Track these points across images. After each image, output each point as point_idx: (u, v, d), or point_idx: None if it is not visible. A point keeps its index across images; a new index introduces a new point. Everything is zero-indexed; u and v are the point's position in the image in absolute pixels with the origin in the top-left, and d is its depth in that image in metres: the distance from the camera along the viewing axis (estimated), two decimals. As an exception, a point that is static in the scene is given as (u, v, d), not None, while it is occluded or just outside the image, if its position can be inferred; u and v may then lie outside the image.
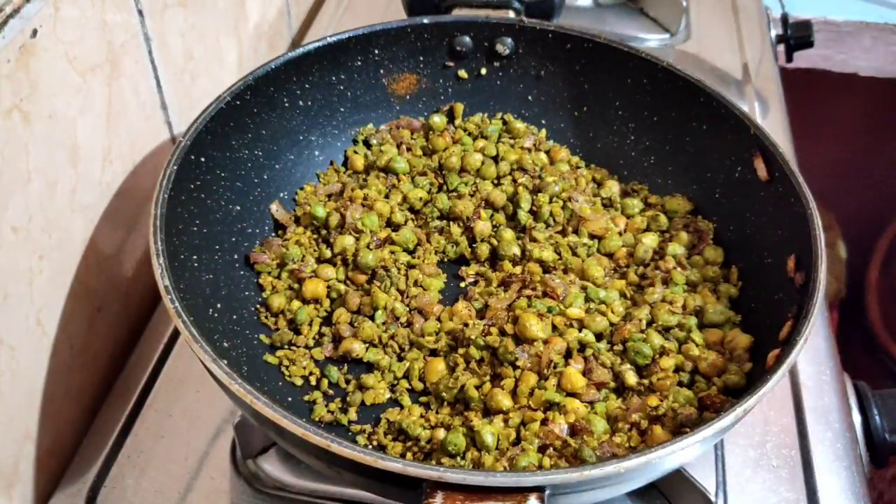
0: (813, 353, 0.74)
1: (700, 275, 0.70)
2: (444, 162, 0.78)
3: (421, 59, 0.81)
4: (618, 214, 0.75)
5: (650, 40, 1.10)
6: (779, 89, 1.06)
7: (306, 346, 0.67)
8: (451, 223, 0.75)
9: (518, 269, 0.70)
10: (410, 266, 0.72)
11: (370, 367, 0.66)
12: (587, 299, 0.67)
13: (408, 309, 0.69)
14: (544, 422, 0.59)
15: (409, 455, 0.59)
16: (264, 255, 0.71)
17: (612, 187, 0.77)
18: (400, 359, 0.66)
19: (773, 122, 1.00)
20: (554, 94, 0.83)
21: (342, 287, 0.69)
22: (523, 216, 0.74)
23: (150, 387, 0.70)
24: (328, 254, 0.71)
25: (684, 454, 0.49)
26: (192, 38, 0.80)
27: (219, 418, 0.67)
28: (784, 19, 1.17)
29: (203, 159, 0.67)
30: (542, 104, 0.83)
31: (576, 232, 0.73)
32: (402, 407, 0.63)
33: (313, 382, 0.65)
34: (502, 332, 0.64)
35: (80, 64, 0.62)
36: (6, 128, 0.54)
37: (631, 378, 0.61)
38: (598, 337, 0.65)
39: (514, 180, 0.77)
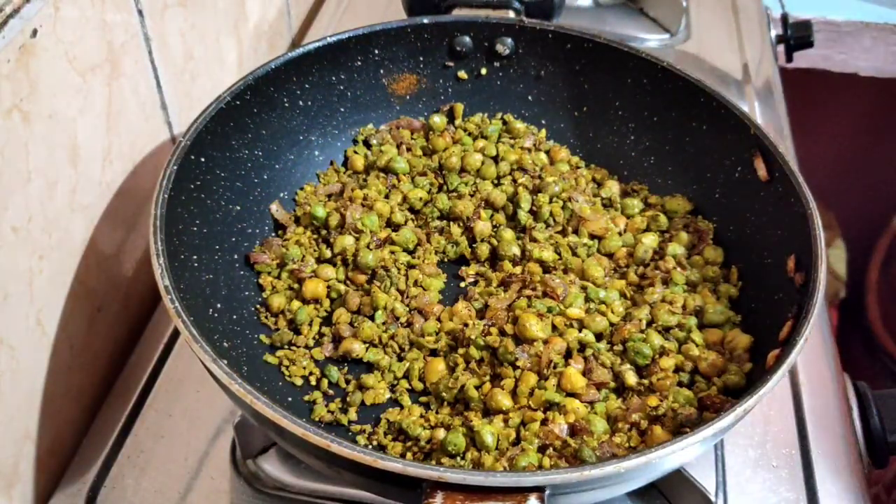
0: (813, 353, 0.74)
1: (700, 275, 0.70)
2: (444, 162, 0.78)
3: (421, 59, 0.81)
4: (618, 214, 0.75)
5: (650, 40, 1.10)
6: (779, 89, 1.06)
7: (306, 346, 0.67)
8: (451, 223, 0.75)
9: (518, 269, 0.70)
10: (410, 266, 0.72)
11: (370, 367, 0.66)
12: (587, 299, 0.67)
13: (408, 309, 0.69)
14: (544, 422, 0.59)
15: (409, 455, 0.59)
16: (264, 255, 0.71)
17: (612, 187, 0.77)
18: (400, 359, 0.66)
19: (773, 122, 1.00)
20: (554, 94, 0.83)
21: (342, 287, 0.69)
22: (523, 216, 0.74)
23: (150, 387, 0.70)
24: (328, 254, 0.71)
25: (684, 454, 0.49)
26: (192, 38, 0.80)
27: (219, 418, 0.67)
28: (784, 19, 1.17)
29: (203, 159, 0.67)
30: (542, 104, 0.83)
31: (576, 232, 0.73)
32: (402, 407, 0.63)
33: (313, 382, 0.65)
34: (502, 332, 0.64)
35: (80, 64, 0.62)
36: (6, 128, 0.54)
37: (631, 378, 0.61)
38: (598, 337, 0.65)
39: (514, 180, 0.77)
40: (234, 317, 0.66)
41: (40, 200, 0.59)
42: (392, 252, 0.72)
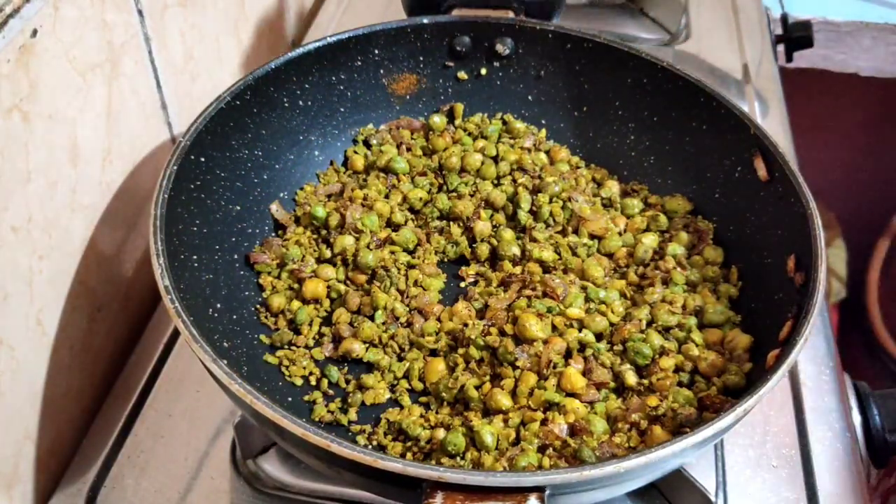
0: (813, 353, 0.74)
1: (700, 275, 0.70)
2: (444, 162, 0.78)
3: (421, 59, 0.81)
4: (618, 214, 0.75)
5: (650, 40, 1.10)
6: (779, 89, 1.06)
7: (306, 346, 0.67)
8: (451, 223, 0.75)
9: (518, 269, 0.70)
10: (410, 266, 0.72)
11: (370, 367, 0.66)
12: (587, 299, 0.67)
13: (408, 309, 0.69)
14: (544, 422, 0.59)
15: (408, 455, 0.59)
16: (264, 255, 0.71)
17: (612, 187, 0.77)
18: (400, 359, 0.66)
19: (773, 122, 1.00)
20: (554, 94, 0.83)
21: (342, 287, 0.69)
22: (523, 216, 0.74)
23: (150, 387, 0.70)
24: (328, 254, 0.71)
25: (684, 454, 0.49)
26: (192, 38, 0.80)
27: (219, 418, 0.67)
28: (784, 19, 1.17)
29: (203, 159, 0.67)
30: (542, 104, 0.83)
31: (576, 232, 0.73)
32: (402, 407, 0.63)
33: (313, 382, 0.65)
34: (502, 332, 0.64)
35: (80, 64, 0.62)
36: (6, 128, 0.54)
37: (631, 378, 0.61)
38: (598, 337, 0.65)
39: (514, 180, 0.77)
40: (234, 317, 0.66)
41: (40, 200, 0.59)
42: (392, 252, 0.72)
